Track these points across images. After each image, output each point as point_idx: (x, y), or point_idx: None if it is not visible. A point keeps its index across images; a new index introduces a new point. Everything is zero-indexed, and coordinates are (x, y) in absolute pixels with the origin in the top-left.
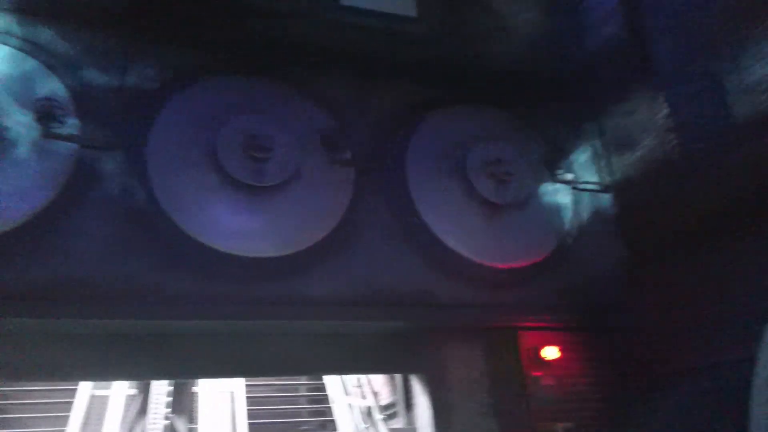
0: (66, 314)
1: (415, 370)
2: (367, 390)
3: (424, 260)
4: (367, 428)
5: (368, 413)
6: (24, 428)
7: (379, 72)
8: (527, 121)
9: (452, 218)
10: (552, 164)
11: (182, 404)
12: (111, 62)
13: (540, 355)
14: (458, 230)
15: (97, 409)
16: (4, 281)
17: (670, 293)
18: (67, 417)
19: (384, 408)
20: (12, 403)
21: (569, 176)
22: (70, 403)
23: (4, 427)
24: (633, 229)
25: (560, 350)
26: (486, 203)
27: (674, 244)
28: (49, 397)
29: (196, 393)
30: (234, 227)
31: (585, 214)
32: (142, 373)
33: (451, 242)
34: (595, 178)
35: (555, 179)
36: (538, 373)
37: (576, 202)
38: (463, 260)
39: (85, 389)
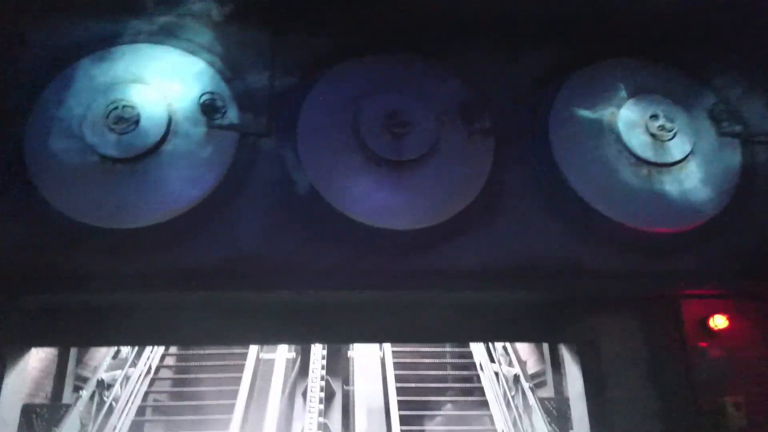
0: (235, 287)
1: (566, 340)
2: (513, 358)
3: (573, 227)
4: (513, 396)
5: (515, 381)
6: (203, 386)
7: (517, 36)
8: (689, 71)
9: (602, 180)
10: (719, 116)
11: (337, 367)
12: (260, 54)
13: (708, 325)
14: (609, 193)
15: (264, 370)
16: (181, 260)
17: None
18: (239, 378)
19: (531, 377)
20: (193, 365)
21: (738, 128)
22: (242, 365)
23: (186, 386)
24: None
25: (728, 319)
26: (642, 161)
27: None
28: (225, 359)
29: (351, 358)
30: (379, 202)
31: (757, 169)
32: (302, 337)
33: (602, 207)
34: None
35: (722, 132)
36: (704, 344)
37: (746, 157)
38: (616, 226)
39: (253, 353)
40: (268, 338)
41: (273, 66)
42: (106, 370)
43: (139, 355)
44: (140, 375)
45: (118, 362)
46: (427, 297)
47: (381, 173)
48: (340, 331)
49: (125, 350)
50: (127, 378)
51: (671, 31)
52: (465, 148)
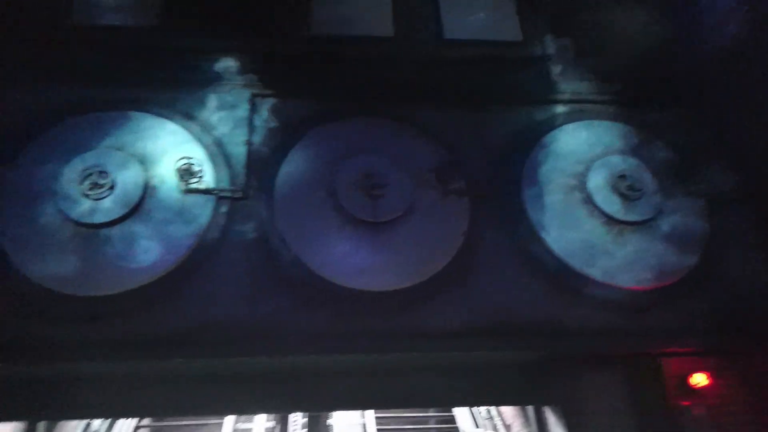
0: (212, 354)
1: (550, 402)
2: (498, 422)
3: (551, 285)
4: None
5: None
6: None
7: (488, 100)
8: (652, 131)
9: (577, 239)
10: (683, 175)
11: None
12: (238, 118)
13: (689, 383)
14: (584, 251)
15: None
16: (156, 326)
17: None
18: None
19: None
20: None
21: (703, 188)
22: None
23: None
24: None
25: (709, 377)
26: (613, 221)
27: None
28: (200, 430)
29: (331, 426)
30: (357, 263)
31: (724, 227)
32: (281, 406)
33: (578, 264)
34: (730, 188)
35: (687, 192)
36: (687, 403)
37: (713, 215)
38: (592, 283)
39: (229, 424)
40: (247, 408)
41: (251, 130)
42: None
43: (111, 427)
44: None
45: None
46: (409, 358)
47: (358, 235)
48: (321, 399)
49: (96, 423)
50: None
51: (640, 89)
52: (441, 208)
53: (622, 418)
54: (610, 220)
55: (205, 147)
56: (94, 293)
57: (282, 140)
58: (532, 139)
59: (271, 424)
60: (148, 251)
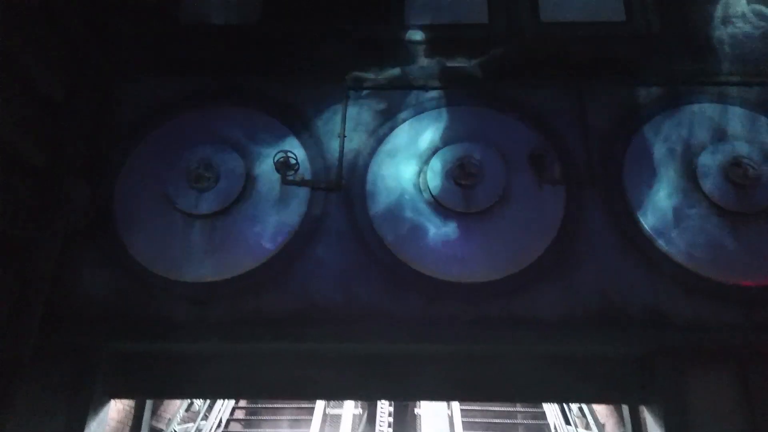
0: (310, 338)
1: (648, 401)
2: (590, 420)
3: (655, 276)
4: None
5: None
6: None
7: (588, 81)
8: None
9: (682, 228)
10: None
11: (404, 425)
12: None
13: None
14: (691, 242)
15: (330, 425)
16: (257, 309)
17: None
18: None
19: None
20: (261, 419)
21: None
22: (309, 420)
23: None
24: None
25: None
26: (724, 210)
27: None
28: (292, 414)
29: (418, 415)
30: (448, 254)
31: None
32: (371, 393)
33: (682, 258)
34: None
35: None
36: None
37: None
38: (697, 277)
39: (320, 408)
40: (338, 393)
41: (343, 122)
42: (179, 423)
43: (210, 408)
44: (211, 428)
45: (190, 415)
46: (497, 349)
47: (449, 225)
48: (407, 387)
49: (198, 403)
50: (198, 431)
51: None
52: (536, 195)
53: (730, 422)
54: (720, 210)
55: (302, 140)
56: (200, 280)
57: (372, 132)
58: (637, 122)
59: (359, 410)
60: (250, 240)
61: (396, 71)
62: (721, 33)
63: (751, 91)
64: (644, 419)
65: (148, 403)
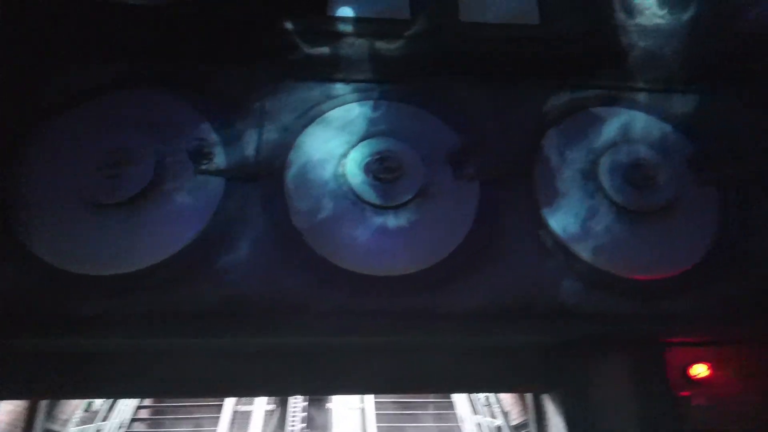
0: (230, 331)
1: (548, 389)
2: (496, 409)
3: (560, 272)
4: None
5: None
6: None
7: (505, 81)
8: (678, 118)
9: (586, 226)
10: (697, 161)
11: (316, 420)
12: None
13: (688, 374)
14: (593, 239)
15: (239, 423)
16: (169, 303)
17: None
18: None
19: (515, 429)
20: (166, 418)
21: (717, 176)
22: (217, 417)
23: None
24: None
25: (710, 368)
26: (624, 209)
27: None
28: (200, 411)
29: (330, 409)
30: (367, 247)
31: (738, 215)
32: (291, 388)
33: (586, 255)
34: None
35: (703, 180)
36: (686, 393)
37: (726, 203)
38: (598, 272)
39: (229, 405)
40: (248, 390)
41: (262, 115)
42: (77, 425)
43: (111, 407)
44: (111, 429)
45: (90, 415)
46: (410, 342)
47: (369, 219)
48: (325, 381)
49: (98, 403)
50: None
51: (670, 75)
52: (453, 191)
53: (623, 407)
54: (620, 209)
55: (218, 128)
56: (111, 272)
57: (293, 123)
58: (548, 123)
59: (272, 406)
60: (165, 229)
61: (318, 62)
62: (632, 39)
63: (657, 96)
64: (545, 406)
65: (42, 404)
